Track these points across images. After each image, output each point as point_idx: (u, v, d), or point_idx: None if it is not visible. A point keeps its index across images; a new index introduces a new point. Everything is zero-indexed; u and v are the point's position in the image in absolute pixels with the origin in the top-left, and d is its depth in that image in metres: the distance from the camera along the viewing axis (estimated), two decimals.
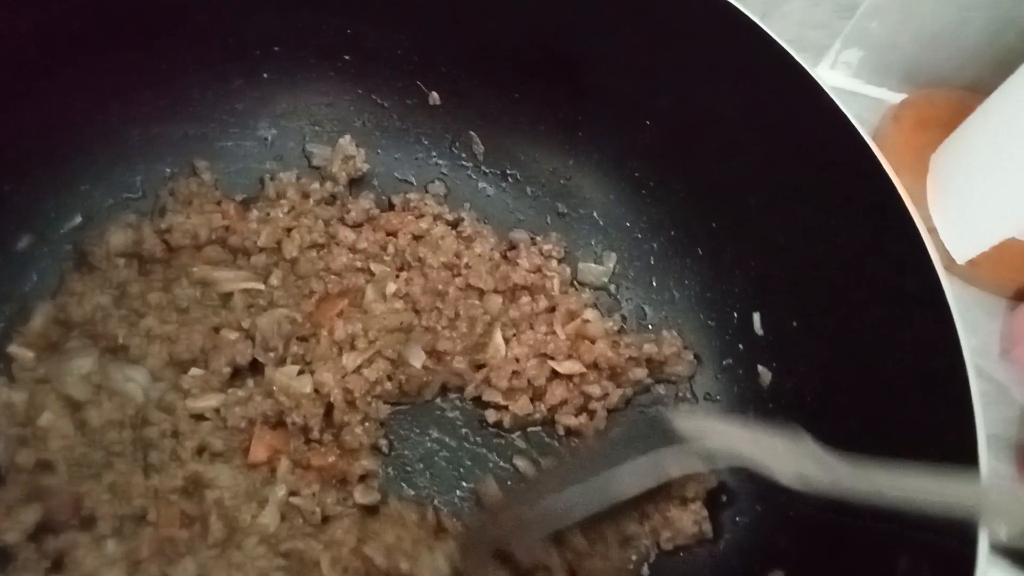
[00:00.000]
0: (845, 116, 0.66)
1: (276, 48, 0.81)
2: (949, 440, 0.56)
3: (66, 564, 0.64)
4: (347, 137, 0.86)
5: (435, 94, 0.86)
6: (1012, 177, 0.87)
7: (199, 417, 0.72)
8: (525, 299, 0.82)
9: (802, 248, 0.72)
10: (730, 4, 0.68)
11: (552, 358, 0.79)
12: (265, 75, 0.83)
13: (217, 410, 0.72)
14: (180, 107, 0.80)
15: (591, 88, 0.81)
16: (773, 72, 0.69)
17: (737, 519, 0.74)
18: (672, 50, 0.74)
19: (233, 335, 0.74)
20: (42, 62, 0.69)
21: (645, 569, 0.74)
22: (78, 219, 0.77)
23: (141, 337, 0.72)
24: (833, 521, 0.66)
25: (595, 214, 0.87)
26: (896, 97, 1.09)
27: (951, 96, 1.06)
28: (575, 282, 0.86)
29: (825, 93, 0.67)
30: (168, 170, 0.82)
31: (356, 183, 0.88)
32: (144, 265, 0.77)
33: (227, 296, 0.77)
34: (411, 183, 0.89)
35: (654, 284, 0.85)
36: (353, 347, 0.75)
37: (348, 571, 0.68)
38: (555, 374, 0.79)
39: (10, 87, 0.68)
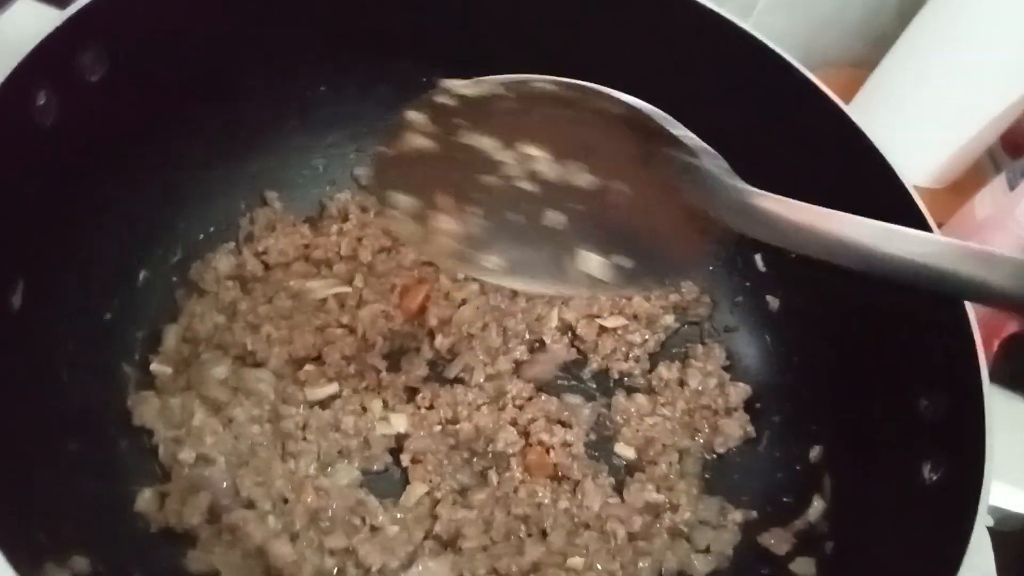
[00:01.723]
0: (798, 71, 0.79)
1: (322, 88, 0.92)
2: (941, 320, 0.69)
3: (238, 537, 0.73)
4: None
5: None
6: (898, 141, 0.97)
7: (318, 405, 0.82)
8: None
9: (788, 192, 0.87)
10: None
11: (599, 316, 0.94)
12: (315, 113, 0.94)
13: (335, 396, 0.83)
14: (249, 147, 0.91)
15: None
16: (740, 54, 0.82)
17: (773, 418, 0.89)
18: (650, 45, 0.84)
19: (338, 331, 0.86)
20: (158, 121, 0.79)
21: (708, 474, 0.88)
22: (179, 254, 0.87)
23: (263, 343, 0.82)
24: (856, 393, 0.83)
25: None
26: None
27: (841, 74, 1.20)
28: None
29: (783, 58, 0.80)
30: (243, 203, 0.92)
31: None
32: (246, 285, 0.88)
33: (322, 302, 0.88)
34: None
35: None
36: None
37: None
38: (603, 329, 0.93)
39: (134, 146, 0.78)
